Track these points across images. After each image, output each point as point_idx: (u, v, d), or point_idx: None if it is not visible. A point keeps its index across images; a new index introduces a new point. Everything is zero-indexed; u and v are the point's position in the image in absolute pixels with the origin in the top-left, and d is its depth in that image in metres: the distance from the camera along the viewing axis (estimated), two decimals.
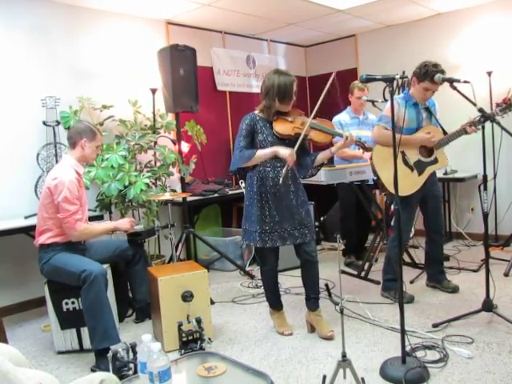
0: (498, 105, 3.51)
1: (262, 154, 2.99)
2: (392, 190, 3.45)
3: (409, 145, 3.49)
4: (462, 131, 3.44)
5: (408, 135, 3.49)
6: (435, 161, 3.61)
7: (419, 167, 3.54)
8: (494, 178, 5.09)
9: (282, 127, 3.03)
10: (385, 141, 3.48)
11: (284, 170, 2.89)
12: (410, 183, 3.49)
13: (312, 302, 3.23)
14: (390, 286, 3.75)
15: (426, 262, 3.99)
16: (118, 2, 4.49)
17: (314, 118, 3.05)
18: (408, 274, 4.14)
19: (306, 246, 3.14)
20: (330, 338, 3.08)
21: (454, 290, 3.83)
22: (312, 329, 3.26)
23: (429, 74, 3.36)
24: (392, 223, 4.05)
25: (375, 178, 3.63)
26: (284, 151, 2.93)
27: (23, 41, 4.16)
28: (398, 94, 5.88)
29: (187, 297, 3.07)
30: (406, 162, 3.53)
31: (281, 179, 2.91)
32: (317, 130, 3.07)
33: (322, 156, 3.15)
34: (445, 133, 3.60)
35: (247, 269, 4.82)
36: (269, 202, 3.07)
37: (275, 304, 3.35)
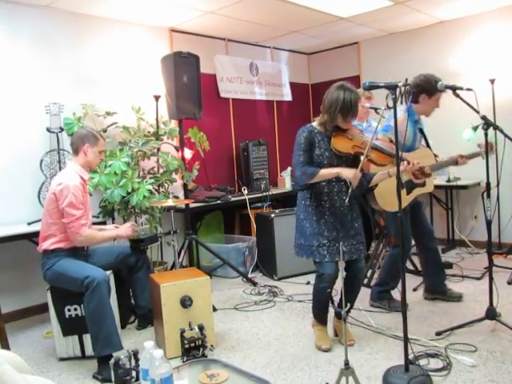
0: (479, 145, 3.52)
1: (326, 173, 2.90)
2: (382, 205, 3.43)
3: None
4: (454, 162, 3.52)
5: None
6: (423, 184, 3.59)
7: (409, 187, 3.50)
8: (498, 185, 5.09)
9: (341, 144, 2.92)
10: None
11: (349, 191, 2.82)
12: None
13: (338, 309, 3.17)
14: (384, 296, 3.72)
15: (425, 273, 3.88)
16: (122, 9, 4.52)
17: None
18: (410, 281, 4.13)
19: (358, 262, 3.07)
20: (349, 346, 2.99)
21: (460, 298, 3.78)
22: (336, 334, 3.26)
23: (438, 85, 3.35)
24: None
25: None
26: (348, 173, 2.83)
27: (27, 48, 4.19)
28: (401, 102, 5.90)
29: (186, 301, 3.06)
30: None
31: (347, 200, 2.85)
32: (378, 150, 2.98)
33: (378, 177, 3.03)
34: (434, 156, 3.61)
35: (249, 276, 4.81)
36: (324, 217, 2.98)
37: (319, 319, 3.19)
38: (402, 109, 3.62)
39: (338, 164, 2.97)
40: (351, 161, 3.03)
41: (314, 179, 2.90)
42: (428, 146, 3.70)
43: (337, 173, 2.88)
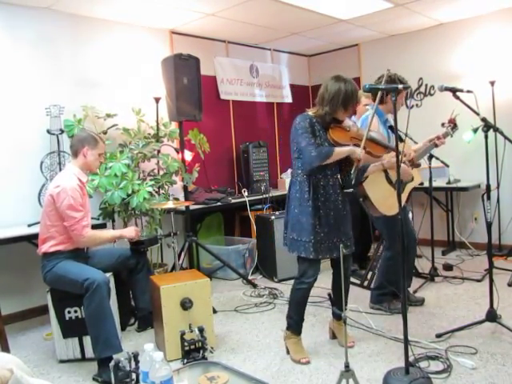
0: (443, 124, 3.71)
1: (340, 151, 2.82)
2: (382, 210, 3.38)
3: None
4: (433, 146, 3.60)
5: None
6: (412, 178, 3.57)
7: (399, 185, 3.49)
8: (498, 187, 5.10)
9: (340, 136, 2.89)
10: None
11: (353, 170, 2.77)
12: (395, 202, 3.22)
13: (338, 311, 3.12)
14: (384, 298, 3.71)
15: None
16: (123, 11, 4.52)
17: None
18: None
19: (347, 259, 3.00)
20: (349, 347, 2.95)
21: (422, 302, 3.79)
22: (333, 336, 3.24)
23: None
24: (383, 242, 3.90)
25: (361, 199, 3.44)
26: (360, 151, 2.79)
27: (28, 50, 4.19)
28: (407, 106, 5.89)
29: (186, 303, 3.05)
30: (389, 181, 3.46)
31: (353, 180, 2.80)
32: (373, 142, 2.95)
33: (373, 168, 3.01)
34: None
35: (250, 277, 4.81)
36: (320, 211, 2.89)
37: (296, 327, 3.06)
38: (369, 114, 3.58)
39: None
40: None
41: (329, 159, 2.80)
42: (401, 140, 3.66)
43: (350, 149, 2.82)
